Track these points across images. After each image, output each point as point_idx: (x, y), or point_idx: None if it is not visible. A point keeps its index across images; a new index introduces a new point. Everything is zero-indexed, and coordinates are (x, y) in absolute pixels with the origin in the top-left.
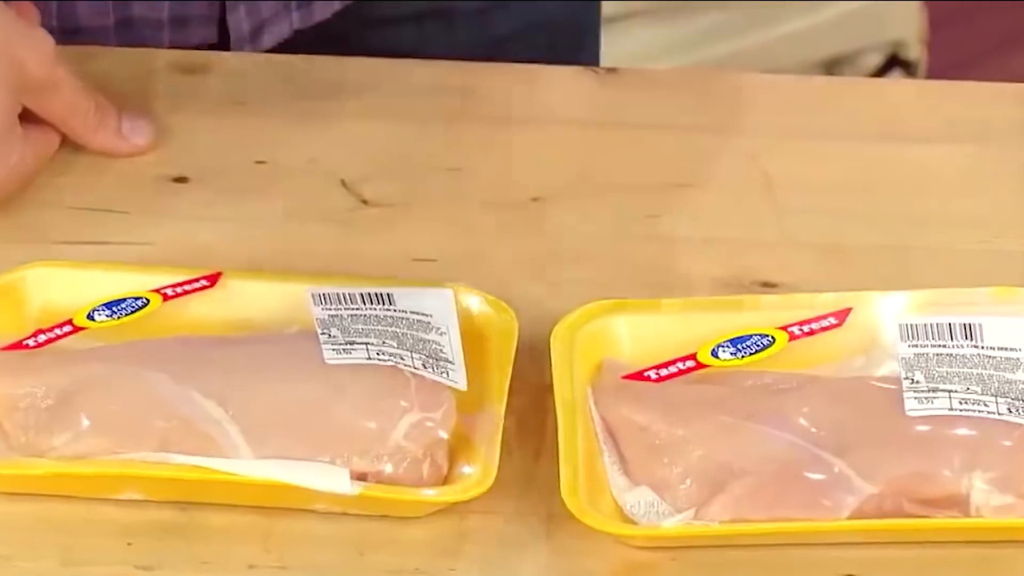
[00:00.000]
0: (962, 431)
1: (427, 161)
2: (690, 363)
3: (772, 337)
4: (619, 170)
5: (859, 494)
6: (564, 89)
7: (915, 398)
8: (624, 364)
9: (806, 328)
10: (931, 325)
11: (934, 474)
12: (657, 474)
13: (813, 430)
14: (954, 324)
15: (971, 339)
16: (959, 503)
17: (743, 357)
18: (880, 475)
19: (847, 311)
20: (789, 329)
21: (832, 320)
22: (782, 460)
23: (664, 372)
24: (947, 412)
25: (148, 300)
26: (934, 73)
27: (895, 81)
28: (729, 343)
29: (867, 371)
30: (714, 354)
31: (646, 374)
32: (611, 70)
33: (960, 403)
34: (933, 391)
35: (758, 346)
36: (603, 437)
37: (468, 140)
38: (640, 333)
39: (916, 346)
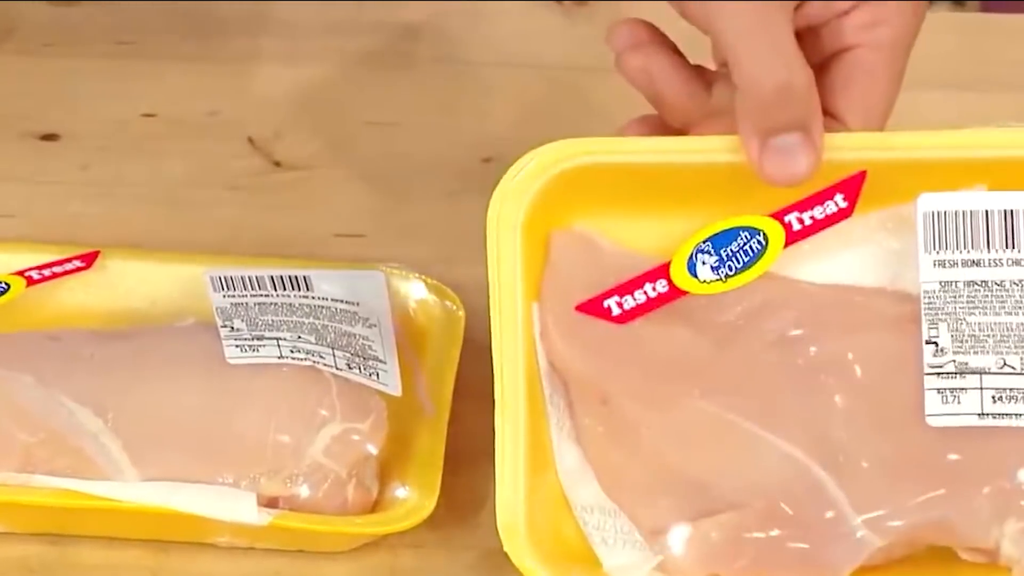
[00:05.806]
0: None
1: (354, 114)
2: (662, 284)
3: (763, 235)
4: (591, 123)
5: (867, 548)
6: (523, 26)
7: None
8: (587, 238)
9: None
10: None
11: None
12: (614, 465)
13: (831, 439)
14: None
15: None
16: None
17: (727, 278)
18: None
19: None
20: (786, 220)
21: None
22: (776, 487)
23: (630, 303)
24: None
25: (9, 285)
26: (993, 6)
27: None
28: (710, 245)
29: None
30: (691, 269)
31: (605, 304)
32: (580, 3)
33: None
34: None
35: (748, 254)
36: (548, 389)
37: (404, 88)
38: (611, 184)
39: None
